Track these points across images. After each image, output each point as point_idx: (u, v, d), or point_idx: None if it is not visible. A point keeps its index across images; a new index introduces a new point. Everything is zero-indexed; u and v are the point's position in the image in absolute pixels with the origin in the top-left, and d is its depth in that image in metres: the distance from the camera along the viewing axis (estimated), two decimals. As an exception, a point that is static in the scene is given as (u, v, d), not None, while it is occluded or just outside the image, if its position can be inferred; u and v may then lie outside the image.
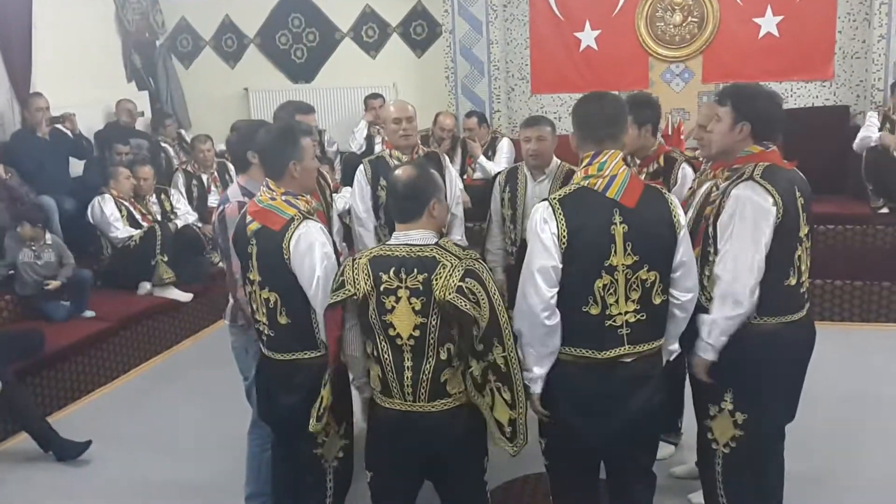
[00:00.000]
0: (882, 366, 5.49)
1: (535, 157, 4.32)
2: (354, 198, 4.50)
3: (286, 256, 3.04)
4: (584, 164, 2.90)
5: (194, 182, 7.77)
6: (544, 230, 2.81)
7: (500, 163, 7.45)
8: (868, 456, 4.31)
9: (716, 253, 3.05)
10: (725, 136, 3.14)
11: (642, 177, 3.98)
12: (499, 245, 4.56)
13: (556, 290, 2.84)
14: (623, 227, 2.78)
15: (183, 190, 7.65)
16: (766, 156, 3.07)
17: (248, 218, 3.17)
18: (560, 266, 2.81)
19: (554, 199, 2.86)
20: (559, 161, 4.41)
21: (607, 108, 2.94)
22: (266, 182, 3.22)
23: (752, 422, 3.17)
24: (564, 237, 2.79)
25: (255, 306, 3.22)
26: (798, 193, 3.05)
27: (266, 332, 3.20)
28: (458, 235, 4.55)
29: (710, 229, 3.09)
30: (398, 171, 2.98)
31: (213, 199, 7.56)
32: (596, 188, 2.83)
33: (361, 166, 4.52)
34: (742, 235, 2.97)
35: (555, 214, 2.81)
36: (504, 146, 7.65)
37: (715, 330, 3.04)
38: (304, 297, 3.07)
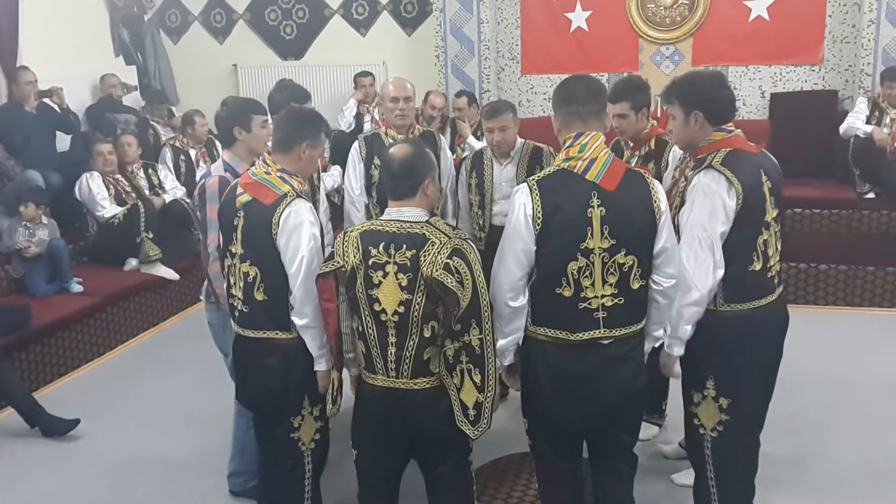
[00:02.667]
0: (865, 350, 5.55)
1: (500, 146, 4.34)
2: (348, 175, 4.49)
3: (274, 231, 3.04)
4: (565, 145, 2.92)
5: (182, 157, 7.72)
6: (520, 212, 2.84)
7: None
8: (849, 438, 4.36)
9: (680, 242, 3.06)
10: (683, 131, 3.17)
11: (634, 160, 4.01)
12: (466, 231, 4.54)
13: (526, 272, 2.87)
14: (601, 211, 2.79)
15: (171, 165, 7.61)
16: (729, 141, 3.08)
17: (239, 190, 3.17)
18: (533, 248, 2.83)
19: (532, 180, 2.89)
20: (523, 140, 4.41)
21: (591, 86, 2.98)
22: (263, 157, 3.23)
23: (735, 405, 3.20)
24: (539, 218, 2.80)
25: (232, 280, 3.22)
26: (765, 178, 3.06)
27: (240, 307, 3.20)
28: (453, 219, 4.56)
29: (677, 220, 3.11)
30: (393, 149, 3.00)
31: (201, 175, 7.53)
32: (576, 170, 2.84)
33: (356, 143, 4.51)
34: (695, 222, 2.99)
35: (531, 195, 2.83)
36: (492, 127, 7.63)
37: (679, 321, 3.04)
38: (285, 275, 3.08)
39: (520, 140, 4.39)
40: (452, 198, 4.60)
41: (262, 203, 3.08)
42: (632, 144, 4.10)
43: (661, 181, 3.72)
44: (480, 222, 4.44)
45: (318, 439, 3.33)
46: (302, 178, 3.26)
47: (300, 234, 3.04)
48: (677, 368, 3.20)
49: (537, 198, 2.82)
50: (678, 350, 3.11)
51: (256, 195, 3.11)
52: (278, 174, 3.14)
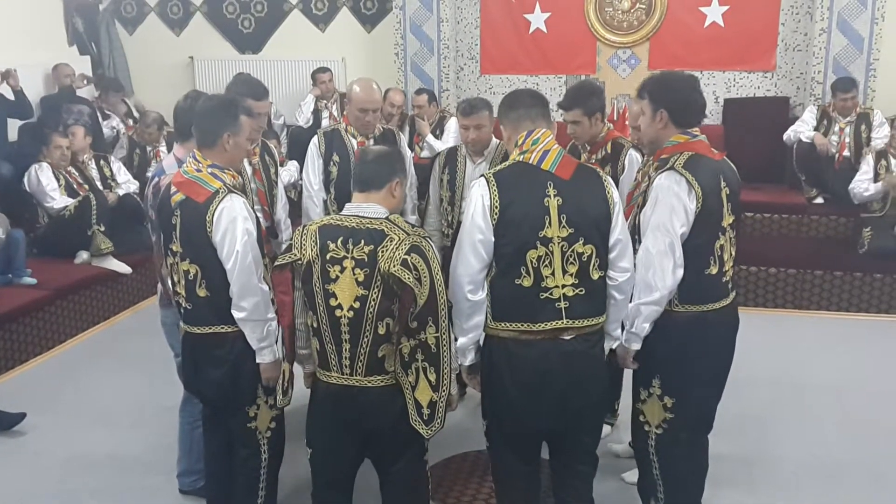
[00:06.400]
0: (812, 352, 5.66)
1: (475, 144, 4.33)
2: (306, 170, 4.46)
3: (209, 229, 3.05)
4: (518, 143, 2.98)
5: (137, 151, 7.64)
6: (478, 204, 2.88)
7: (447, 142, 7.44)
8: (795, 439, 4.45)
9: (640, 243, 3.10)
10: (649, 127, 3.21)
11: (591, 163, 4.03)
12: (435, 226, 4.56)
13: (485, 265, 2.90)
14: (557, 200, 2.85)
15: (125, 152, 7.56)
16: (692, 145, 3.12)
17: (173, 189, 3.17)
18: (491, 240, 2.87)
19: (490, 173, 2.95)
20: (498, 141, 4.42)
21: (533, 92, 3.14)
22: (193, 153, 3.22)
23: (680, 405, 3.24)
24: (497, 209, 2.85)
25: (175, 278, 3.22)
26: (724, 184, 3.10)
27: (184, 304, 3.21)
28: (411, 216, 4.56)
29: (638, 220, 3.16)
30: (372, 147, 3.06)
31: (153, 172, 7.43)
32: (531, 162, 2.91)
33: (315, 138, 4.48)
34: (657, 222, 3.03)
35: (489, 187, 2.88)
36: (452, 126, 7.62)
37: (637, 318, 3.09)
38: (224, 271, 3.08)
39: (494, 140, 4.39)
40: (411, 196, 4.60)
41: (195, 201, 3.08)
42: (588, 148, 4.13)
43: (617, 184, 3.77)
44: (449, 219, 4.43)
45: (273, 428, 3.35)
46: (234, 171, 3.26)
47: (234, 230, 3.05)
48: (633, 362, 3.24)
49: (494, 189, 2.86)
50: (635, 345, 3.15)
51: (189, 193, 3.11)
52: (209, 170, 3.14)
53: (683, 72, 3.39)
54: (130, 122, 8.35)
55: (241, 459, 3.36)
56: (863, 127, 6.97)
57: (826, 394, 4.97)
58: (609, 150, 4.07)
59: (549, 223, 2.84)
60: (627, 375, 3.48)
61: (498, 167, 3.00)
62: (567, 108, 4.03)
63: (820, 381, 5.13)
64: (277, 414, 3.35)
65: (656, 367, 3.23)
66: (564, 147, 3.59)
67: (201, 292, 3.13)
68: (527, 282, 2.86)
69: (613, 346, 3.14)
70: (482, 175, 2.97)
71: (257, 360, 3.17)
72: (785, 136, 7.23)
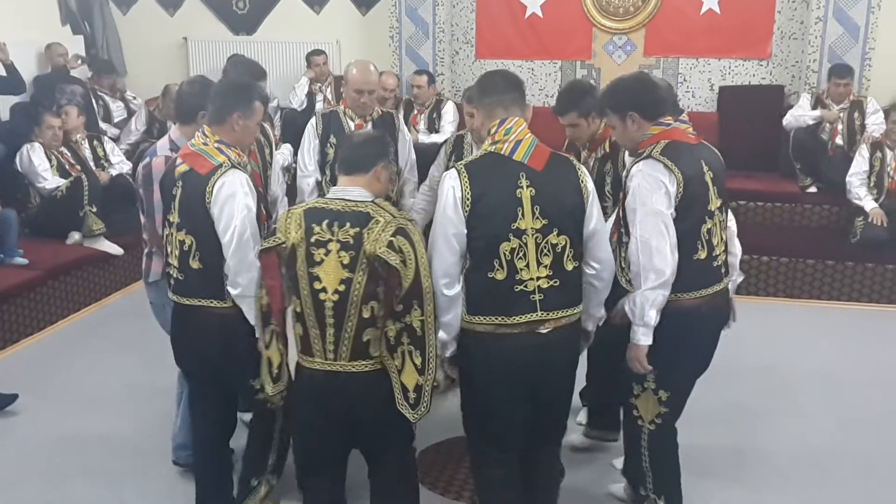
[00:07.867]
0: (803, 341, 5.68)
1: (479, 131, 4.30)
2: (302, 151, 4.48)
3: (208, 201, 3.07)
4: (491, 132, 2.96)
5: (156, 125, 7.68)
6: (449, 195, 2.86)
7: (444, 129, 7.44)
8: (786, 428, 4.46)
9: (628, 235, 3.07)
10: (625, 136, 3.22)
11: (591, 161, 3.96)
12: (423, 206, 4.50)
13: (459, 257, 2.88)
14: (530, 191, 2.83)
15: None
16: (668, 133, 3.12)
17: (178, 160, 3.20)
18: (464, 232, 2.86)
19: (461, 164, 2.93)
20: None
21: (509, 76, 3.08)
22: (203, 128, 3.24)
23: (673, 398, 3.25)
24: (468, 201, 2.83)
25: (169, 249, 3.24)
26: (706, 168, 3.10)
27: (175, 275, 3.22)
28: (410, 198, 4.56)
29: (621, 212, 3.15)
30: (358, 131, 3.00)
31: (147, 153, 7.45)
32: (503, 153, 2.89)
33: (313, 119, 4.50)
34: (644, 209, 3.00)
35: (460, 179, 2.86)
36: (449, 110, 7.62)
37: (644, 305, 3.02)
38: (220, 245, 3.09)
39: None
40: (412, 178, 4.60)
41: (197, 173, 3.12)
42: (588, 146, 4.08)
43: (620, 181, 3.72)
44: None
45: (285, 395, 3.29)
46: (240, 150, 3.28)
47: (233, 204, 3.06)
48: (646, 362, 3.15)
49: (465, 181, 2.85)
50: (646, 339, 3.07)
51: (193, 165, 3.14)
52: (216, 145, 3.18)
53: (654, 67, 3.41)
54: (121, 103, 8.34)
55: (255, 417, 3.42)
56: (856, 114, 6.97)
57: (817, 383, 4.99)
58: (608, 149, 4.01)
59: (522, 215, 2.82)
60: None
61: (469, 158, 2.99)
62: (562, 112, 3.90)
63: (811, 371, 5.15)
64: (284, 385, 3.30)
65: (651, 361, 3.19)
66: (562, 145, 3.57)
67: (194, 264, 3.14)
68: (500, 275, 2.85)
69: (591, 329, 3.14)
70: (453, 166, 2.95)
71: (257, 335, 3.14)
72: (785, 122, 7.21)
